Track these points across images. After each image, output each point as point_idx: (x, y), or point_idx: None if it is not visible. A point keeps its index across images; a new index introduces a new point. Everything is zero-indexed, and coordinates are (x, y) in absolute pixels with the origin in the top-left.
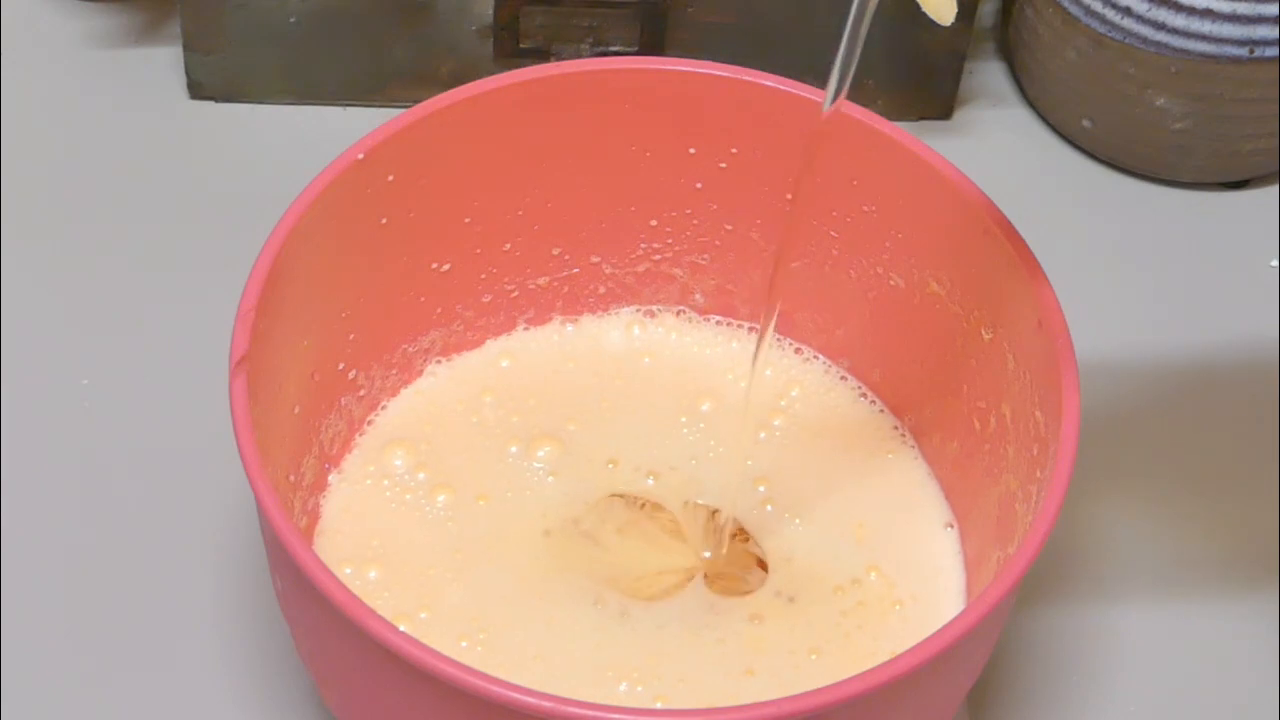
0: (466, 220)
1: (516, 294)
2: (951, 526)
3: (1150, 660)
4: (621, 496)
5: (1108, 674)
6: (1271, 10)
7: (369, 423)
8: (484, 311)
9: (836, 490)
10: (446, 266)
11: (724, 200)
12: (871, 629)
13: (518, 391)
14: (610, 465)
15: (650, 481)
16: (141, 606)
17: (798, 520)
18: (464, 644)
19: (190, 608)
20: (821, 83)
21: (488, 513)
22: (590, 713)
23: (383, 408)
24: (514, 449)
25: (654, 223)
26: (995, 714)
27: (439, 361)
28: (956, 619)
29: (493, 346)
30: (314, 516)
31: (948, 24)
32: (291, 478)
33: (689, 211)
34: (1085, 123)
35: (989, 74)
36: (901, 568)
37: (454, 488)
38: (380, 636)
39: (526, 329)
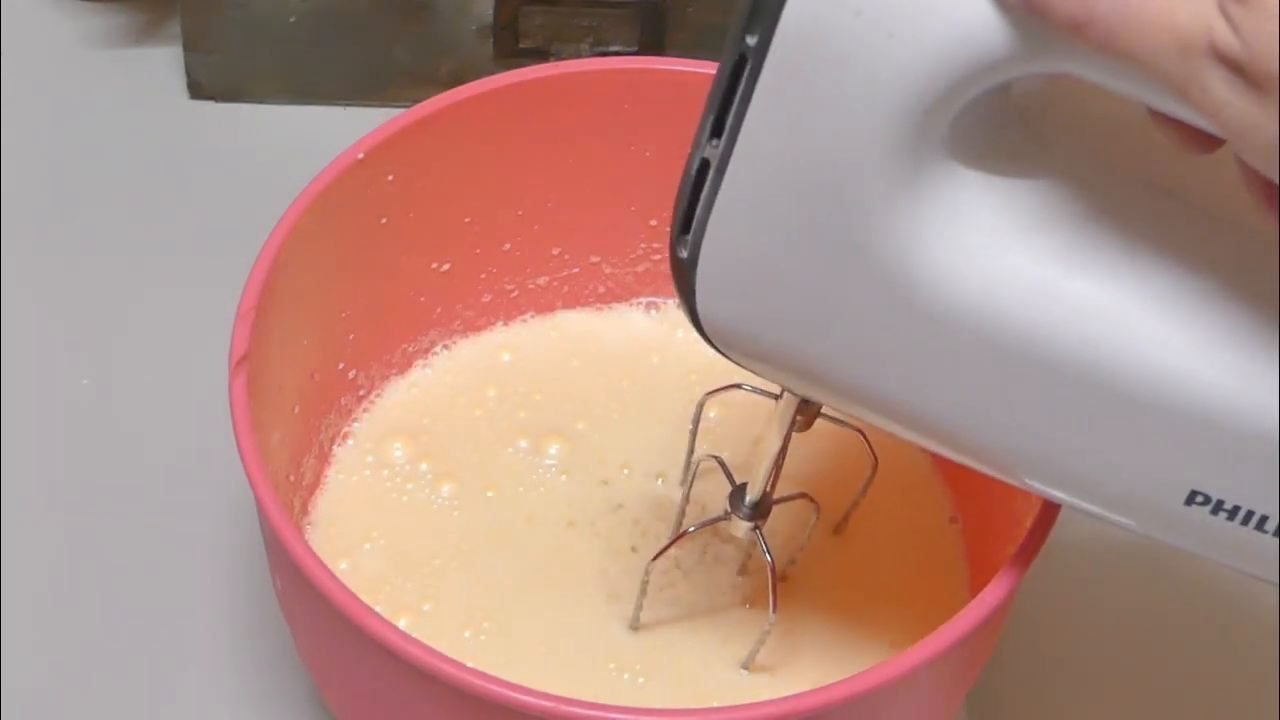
0: (466, 220)
1: (516, 294)
2: (955, 521)
3: (1150, 660)
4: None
5: (1107, 674)
6: None
7: (365, 412)
8: (484, 311)
9: (840, 483)
10: (446, 266)
11: None
12: (875, 623)
13: (522, 386)
14: (623, 469)
15: (660, 483)
16: (142, 606)
17: (802, 511)
18: (468, 634)
19: (190, 608)
20: None
21: (497, 506)
22: (590, 712)
23: (378, 396)
24: (523, 444)
25: (654, 223)
26: (995, 714)
27: (436, 352)
28: (956, 618)
29: (492, 339)
30: (311, 508)
31: None
32: (291, 478)
33: None
34: None
35: None
36: (905, 562)
37: (460, 479)
38: (380, 636)
39: (526, 322)
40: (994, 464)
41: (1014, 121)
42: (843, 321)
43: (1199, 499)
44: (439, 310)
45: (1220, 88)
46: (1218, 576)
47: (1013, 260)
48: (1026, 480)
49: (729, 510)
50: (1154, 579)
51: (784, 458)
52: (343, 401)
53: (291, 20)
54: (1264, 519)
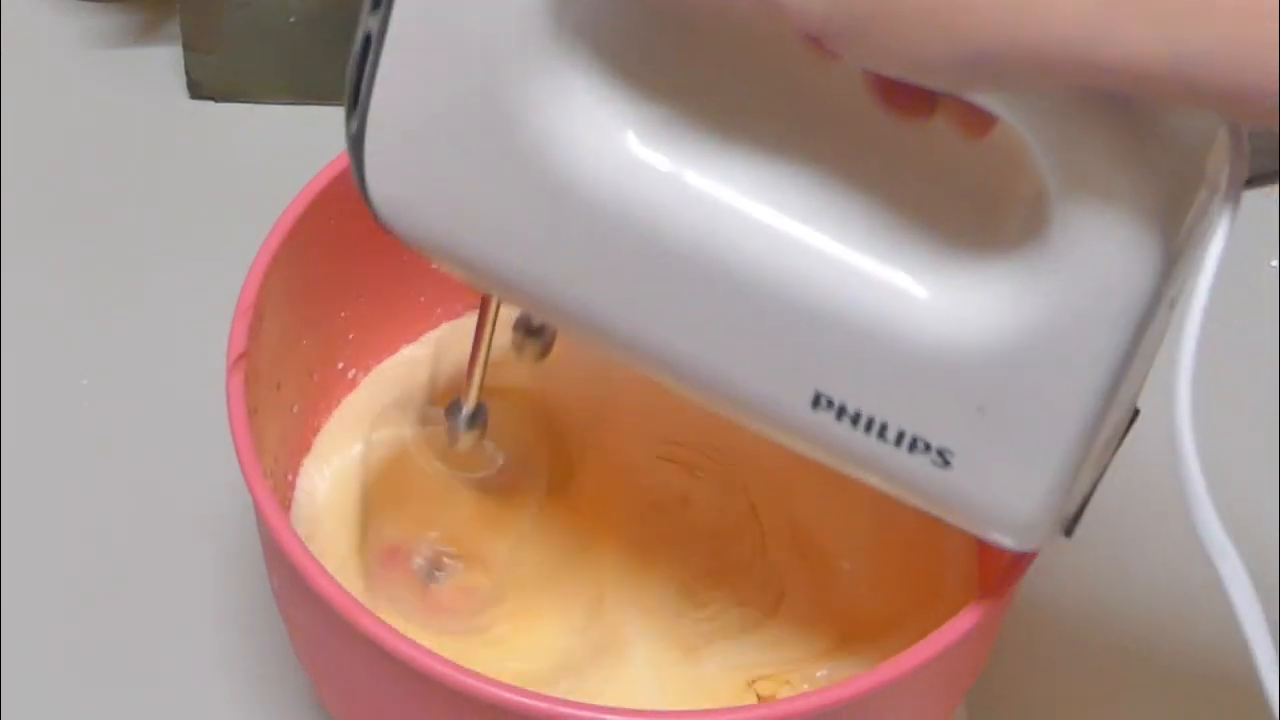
0: None
1: None
2: None
3: (1151, 660)
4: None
5: (1107, 675)
6: None
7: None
8: None
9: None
10: None
11: None
12: (879, 616)
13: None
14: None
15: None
16: (140, 606)
17: (805, 506)
18: None
19: (189, 607)
20: None
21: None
22: (589, 713)
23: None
24: None
25: None
26: (995, 714)
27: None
28: (956, 619)
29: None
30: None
31: None
32: (290, 477)
33: None
34: None
35: None
36: (912, 555)
37: None
38: (375, 636)
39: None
40: (645, 363)
41: (655, 16)
42: (496, 203)
43: (824, 402)
44: (439, 310)
45: None
46: (1219, 577)
47: (643, 153)
48: (672, 381)
49: (450, 429)
50: (1155, 579)
51: (482, 356)
52: (343, 402)
53: (291, 20)
54: (884, 427)
